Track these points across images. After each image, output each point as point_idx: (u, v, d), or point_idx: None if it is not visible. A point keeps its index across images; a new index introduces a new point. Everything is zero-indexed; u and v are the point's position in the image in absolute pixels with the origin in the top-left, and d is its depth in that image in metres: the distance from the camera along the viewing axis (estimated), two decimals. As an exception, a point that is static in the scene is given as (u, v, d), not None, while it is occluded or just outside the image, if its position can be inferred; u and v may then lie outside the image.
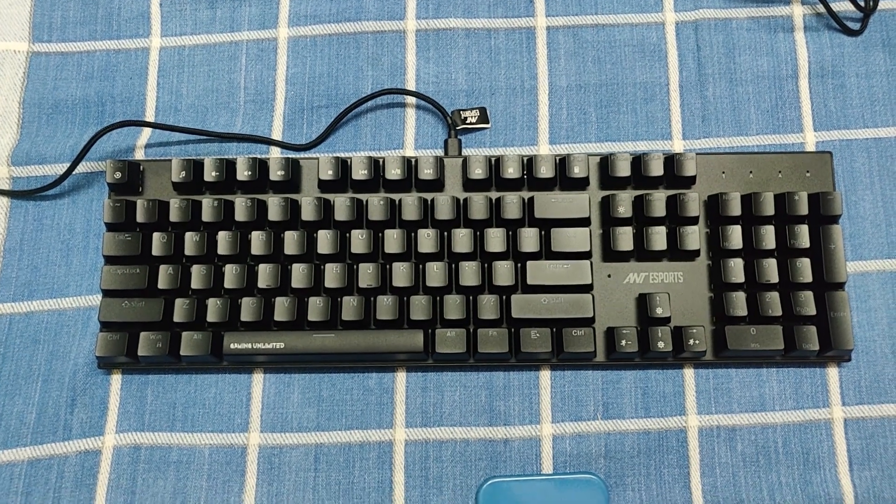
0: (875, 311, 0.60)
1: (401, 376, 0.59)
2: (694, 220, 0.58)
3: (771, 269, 0.57)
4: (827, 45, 0.65)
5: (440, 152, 0.64)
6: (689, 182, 0.59)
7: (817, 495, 0.56)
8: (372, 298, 0.58)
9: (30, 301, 0.61)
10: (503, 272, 0.57)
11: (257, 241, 0.58)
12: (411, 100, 0.65)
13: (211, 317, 0.57)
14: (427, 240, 0.58)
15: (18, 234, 0.63)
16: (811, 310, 0.56)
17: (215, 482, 0.57)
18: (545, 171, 0.59)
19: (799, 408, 0.58)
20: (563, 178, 0.59)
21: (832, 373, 0.59)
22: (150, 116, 0.65)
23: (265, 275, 0.58)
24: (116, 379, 0.59)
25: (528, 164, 0.59)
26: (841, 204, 0.57)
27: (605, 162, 0.59)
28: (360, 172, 0.59)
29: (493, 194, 0.60)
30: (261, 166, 0.59)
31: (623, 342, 0.56)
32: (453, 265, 0.58)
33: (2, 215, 0.63)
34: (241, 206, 0.58)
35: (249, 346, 0.57)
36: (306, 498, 0.57)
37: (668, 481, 0.57)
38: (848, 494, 0.56)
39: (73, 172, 0.62)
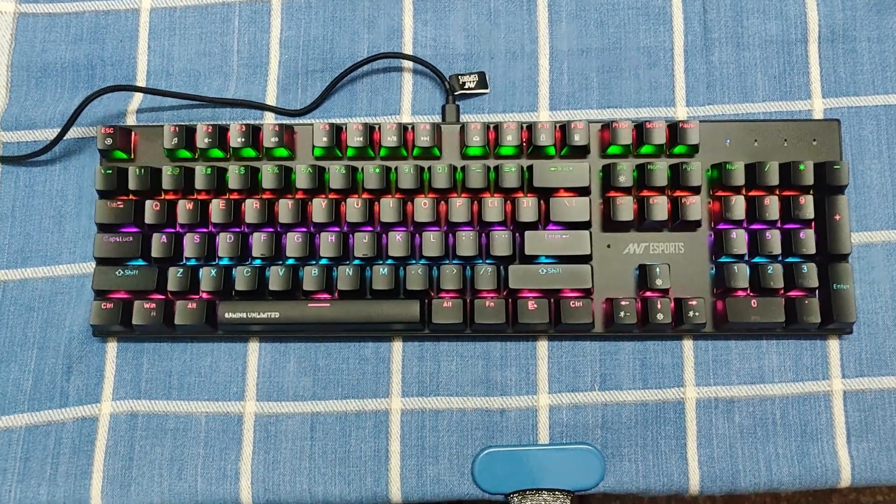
0: (878, 283, 0.59)
1: (397, 346, 0.59)
2: (696, 190, 0.57)
3: (774, 241, 0.56)
4: (838, 8, 0.63)
5: (438, 118, 0.62)
6: (692, 150, 0.58)
7: (814, 467, 0.56)
8: (368, 267, 0.57)
9: (23, 268, 0.61)
10: (501, 242, 0.56)
11: (251, 209, 0.57)
12: (408, 64, 0.63)
13: (205, 286, 0.57)
14: (423, 208, 0.57)
15: (10, 200, 0.62)
16: (814, 282, 0.55)
17: (212, 450, 0.57)
18: (545, 138, 0.57)
19: (798, 380, 0.57)
20: (563, 146, 0.58)
21: (833, 345, 0.58)
22: (141, 80, 0.64)
23: (259, 243, 0.57)
24: (112, 347, 0.59)
25: (528, 131, 0.58)
26: (847, 174, 0.56)
27: (607, 129, 0.58)
28: (355, 139, 0.58)
29: (491, 162, 0.58)
30: (254, 132, 0.58)
31: (622, 313, 0.55)
32: (450, 234, 0.57)
33: (-7, 182, 0.62)
34: (235, 174, 0.57)
35: (244, 315, 0.56)
36: (303, 466, 0.57)
37: (664, 452, 0.56)
38: (845, 466, 0.56)
39: (64, 138, 0.61)
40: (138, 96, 0.63)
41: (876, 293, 0.59)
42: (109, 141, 0.58)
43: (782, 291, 0.56)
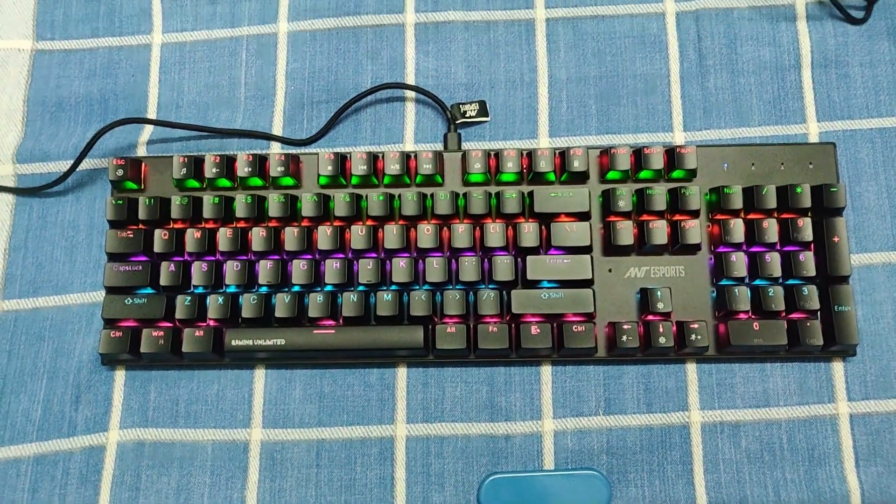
0: (880, 305, 0.59)
1: (401, 372, 0.59)
2: (695, 214, 0.58)
3: (774, 263, 0.56)
4: (830, 34, 0.64)
5: (440, 146, 0.63)
6: (690, 175, 0.59)
7: (823, 492, 0.55)
8: (372, 294, 0.58)
9: (35, 298, 0.62)
10: (503, 267, 0.57)
11: (257, 238, 0.58)
12: (411, 94, 0.65)
13: (212, 313, 0.57)
14: (426, 235, 0.58)
15: (23, 231, 0.63)
16: (815, 304, 0.56)
17: (218, 478, 0.57)
18: (545, 165, 0.58)
19: (804, 403, 0.57)
20: (563, 172, 0.59)
21: (837, 367, 0.58)
22: (151, 113, 0.66)
23: (265, 271, 0.58)
24: (120, 375, 0.60)
25: (528, 157, 0.59)
26: (845, 196, 0.57)
27: (605, 155, 0.59)
28: (359, 167, 0.59)
29: (493, 188, 0.59)
30: (261, 162, 0.59)
31: (624, 337, 0.56)
32: (453, 260, 0.58)
33: (7, 213, 0.64)
34: (242, 202, 0.59)
35: (250, 342, 0.57)
36: (308, 494, 0.57)
37: (671, 477, 0.56)
38: (854, 491, 0.55)
39: (77, 169, 0.62)
40: (149, 128, 0.65)
41: (878, 315, 0.59)
42: (120, 172, 0.60)
43: (784, 314, 0.56)
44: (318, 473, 0.57)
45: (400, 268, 0.57)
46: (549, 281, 0.57)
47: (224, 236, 0.58)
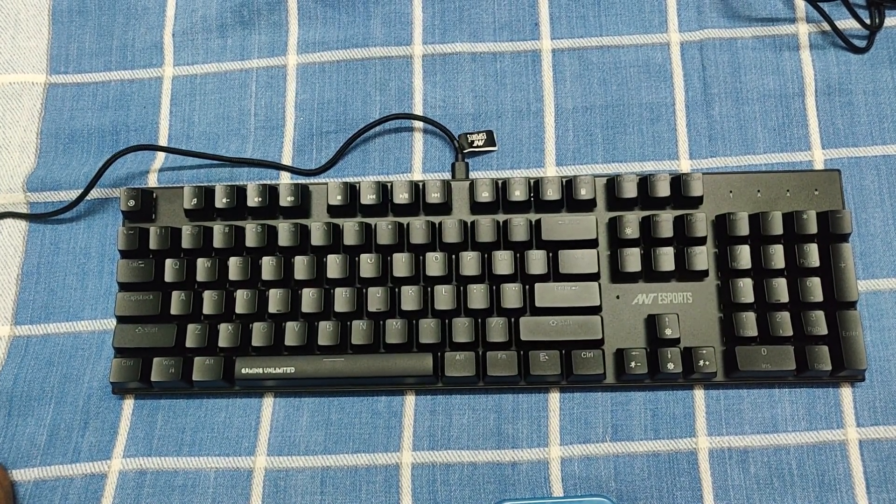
0: (888, 331, 0.59)
1: (409, 399, 0.59)
2: (702, 241, 0.58)
3: (781, 289, 0.56)
4: (833, 63, 0.65)
5: (448, 175, 0.64)
6: (697, 202, 0.59)
7: (834, 518, 0.55)
8: (381, 322, 0.58)
9: (46, 324, 0.62)
10: (511, 295, 0.57)
11: (268, 267, 0.58)
12: (419, 124, 0.66)
13: (223, 342, 0.58)
14: (435, 263, 0.58)
15: (36, 257, 0.64)
16: (822, 329, 0.56)
17: (220, 505, 0.57)
18: (552, 193, 0.59)
19: (812, 429, 0.57)
20: (570, 200, 0.59)
21: (846, 393, 0.58)
22: (162, 144, 0.66)
23: (276, 300, 0.58)
24: (129, 404, 0.60)
25: (535, 186, 0.60)
26: (850, 222, 0.57)
27: (612, 183, 0.59)
28: (368, 197, 0.60)
29: (501, 217, 0.60)
30: (271, 192, 0.60)
31: (632, 364, 0.56)
32: (462, 288, 0.58)
33: (20, 239, 0.64)
34: (252, 232, 0.59)
35: (260, 370, 0.57)
36: (313, 521, 0.57)
37: (680, 504, 0.56)
38: (866, 517, 0.55)
39: (89, 198, 0.63)
40: (160, 157, 0.66)
41: (887, 340, 0.59)
42: (132, 202, 0.60)
43: (792, 339, 0.56)
44: (323, 501, 0.57)
45: (409, 296, 0.57)
46: (558, 308, 0.57)
47: (235, 266, 0.59)
